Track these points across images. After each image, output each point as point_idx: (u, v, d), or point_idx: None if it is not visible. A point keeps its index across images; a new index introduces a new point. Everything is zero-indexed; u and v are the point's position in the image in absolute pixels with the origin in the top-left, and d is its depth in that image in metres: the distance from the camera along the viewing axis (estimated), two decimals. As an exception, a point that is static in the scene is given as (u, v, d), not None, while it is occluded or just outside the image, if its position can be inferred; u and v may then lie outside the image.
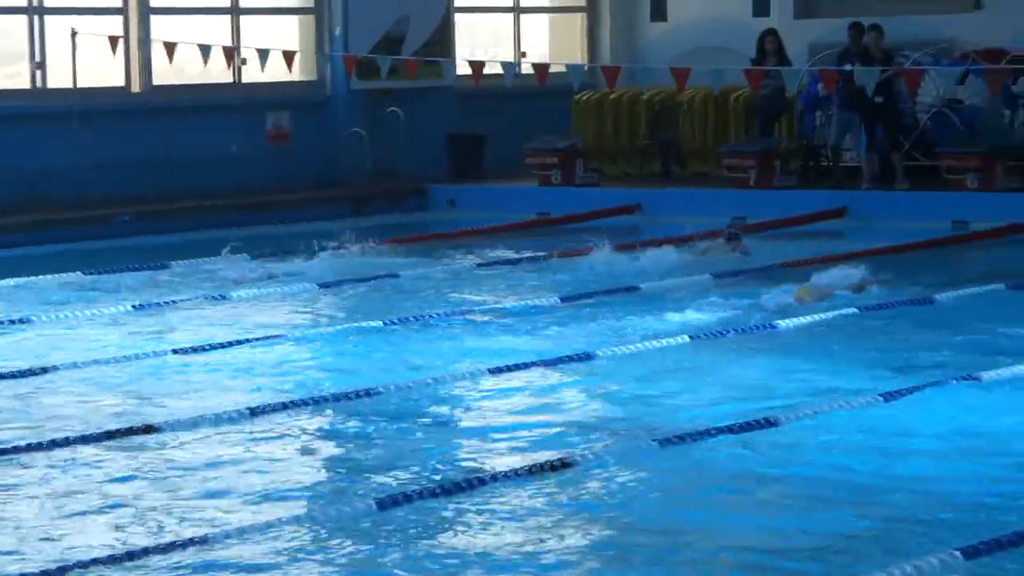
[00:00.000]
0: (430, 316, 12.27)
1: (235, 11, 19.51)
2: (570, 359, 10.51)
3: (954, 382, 9.49)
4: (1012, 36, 19.13)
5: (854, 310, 11.97)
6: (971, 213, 17.01)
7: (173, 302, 12.99)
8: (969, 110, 18.89)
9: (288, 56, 18.27)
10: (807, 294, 12.69)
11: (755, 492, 7.64)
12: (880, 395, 9.22)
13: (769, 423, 8.61)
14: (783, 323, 11.50)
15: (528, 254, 15.76)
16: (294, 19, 20.18)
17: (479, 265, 15.07)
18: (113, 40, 18.26)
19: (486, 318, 12.39)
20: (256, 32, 19.48)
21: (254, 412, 9.07)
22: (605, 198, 18.95)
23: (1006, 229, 16.21)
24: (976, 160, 17.78)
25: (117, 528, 7.19)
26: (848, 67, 17.60)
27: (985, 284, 12.98)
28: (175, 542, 6.79)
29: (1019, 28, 19.19)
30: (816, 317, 11.71)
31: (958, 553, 6.39)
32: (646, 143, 20.71)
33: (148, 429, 8.71)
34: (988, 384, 9.52)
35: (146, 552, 6.66)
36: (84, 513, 7.42)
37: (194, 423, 8.87)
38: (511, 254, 15.80)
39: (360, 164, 19.86)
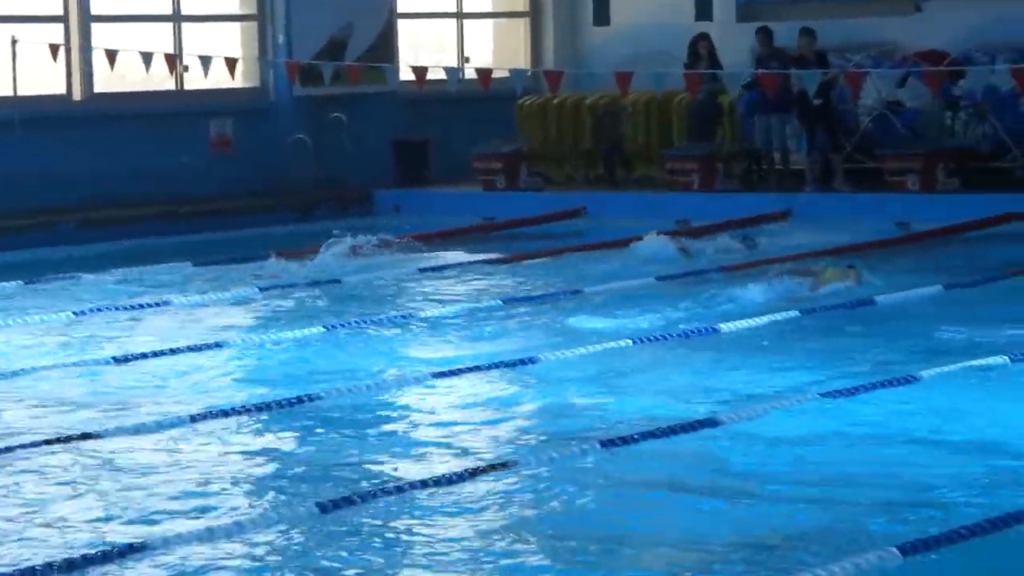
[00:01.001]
0: (373, 320, 12.27)
1: (177, 18, 19.44)
2: (513, 362, 10.53)
3: (893, 382, 9.55)
4: (952, 39, 19.28)
5: (795, 312, 12.03)
6: (913, 214, 17.12)
7: (115, 309, 12.94)
8: (910, 112, 19.02)
9: (230, 63, 18.22)
10: (833, 276, 12.83)
11: (696, 492, 7.68)
12: (820, 395, 9.27)
13: (710, 424, 8.65)
14: (725, 326, 11.54)
15: (472, 258, 15.77)
16: (236, 26, 20.13)
17: (423, 270, 15.07)
18: (54, 48, 18.18)
19: (429, 322, 12.39)
20: (198, 39, 19.42)
21: (194, 419, 9.05)
22: (550, 202, 18.98)
23: (946, 230, 16.31)
24: (917, 162, 17.91)
25: (56, 536, 7.16)
26: (762, 69, 17.71)
27: (924, 285, 13.06)
28: (114, 549, 6.76)
29: (959, 31, 19.34)
30: (758, 320, 11.76)
31: (895, 550, 6.44)
32: (590, 147, 20.75)
33: (86, 436, 8.67)
34: (927, 383, 9.59)
35: (85, 560, 6.63)
36: (21, 521, 7.38)
37: (135, 430, 8.84)
38: (455, 258, 15.80)
39: (305, 170, 19.82)
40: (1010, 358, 10.14)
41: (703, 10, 21.21)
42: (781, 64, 17.93)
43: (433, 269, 15.11)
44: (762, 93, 18.26)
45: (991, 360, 10.08)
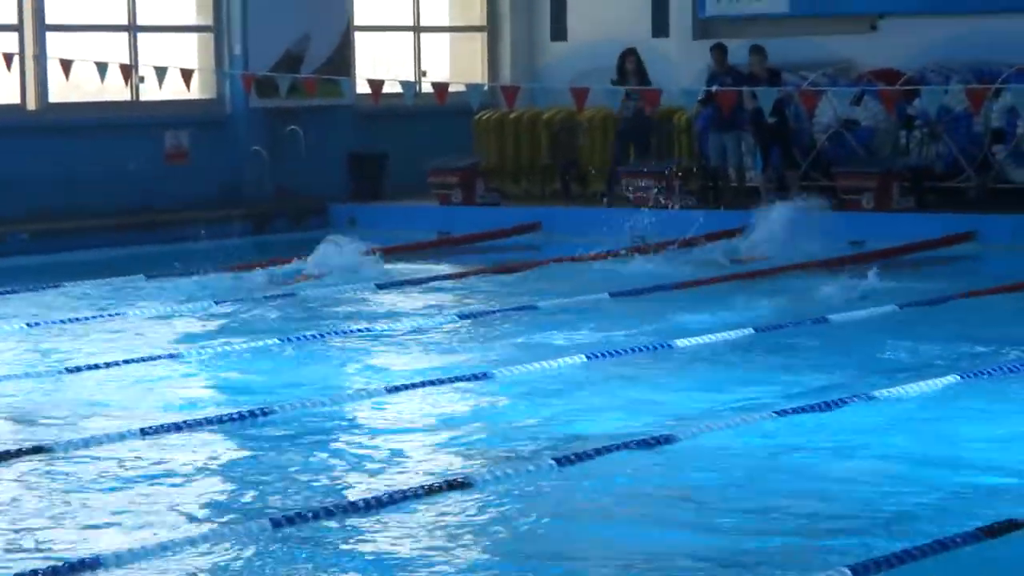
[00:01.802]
0: (328, 334, 12.24)
1: (132, 28, 19.37)
2: (468, 377, 10.52)
3: (848, 400, 9.58)
4: (907, 58, 19.39)
5: (750, 330, 12.06)
6: (867, 233, 17.19)
7: (68, 320, 12.88)
8: (865, 131, 19.11)
9: (186, 74, 18.16)
10: None
11: (651, 509, 7.68)
12: (775, 412, 9.29)
13: (665, 440, 8.66)
14: (680, 342, 11.56)
15: (428, 273, 15.76)
16: (193, 37, 20.08)
17: (379, 284, 15.04)
18: (8, 57, 18.08)
19: (385, 336, 12.36)
20: (154, 50, 19.35)
21: (146, 432, 9.00)
22: (506, 217, 19.00)
23: (901, 249, 16.38)
24: (872, 180, 17.99)
25: (6, 551, 7.10)
26: (715, 88, 17.77)
27: (878, 304, 13.11)
28: (64, 564, 6.71)
29: (914, 50, 19.45)
30: (713, 336, 11.78)
31: (847, 570, 6.45)
32: (547, 162, 20.78)
33: (38, 450, 8.61)
34: (881, 402, 9.63)
35: (35, 575, 6.57)
36: (-28, 535, 7.32)
37: (86, 443, 8.78)
38: (411, 273, 15.78)
39: (260, 182, 19.78)
40: (962, 377, 10.19)
41: (660, 26, 21.28)
42: (735, 82, 17.99)
43: (389, 283, 15.08)
44: (716, 110, 18.32)
45: (944, 379, 10.13)
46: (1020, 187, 18.27)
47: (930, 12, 19.52)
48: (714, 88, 17.79)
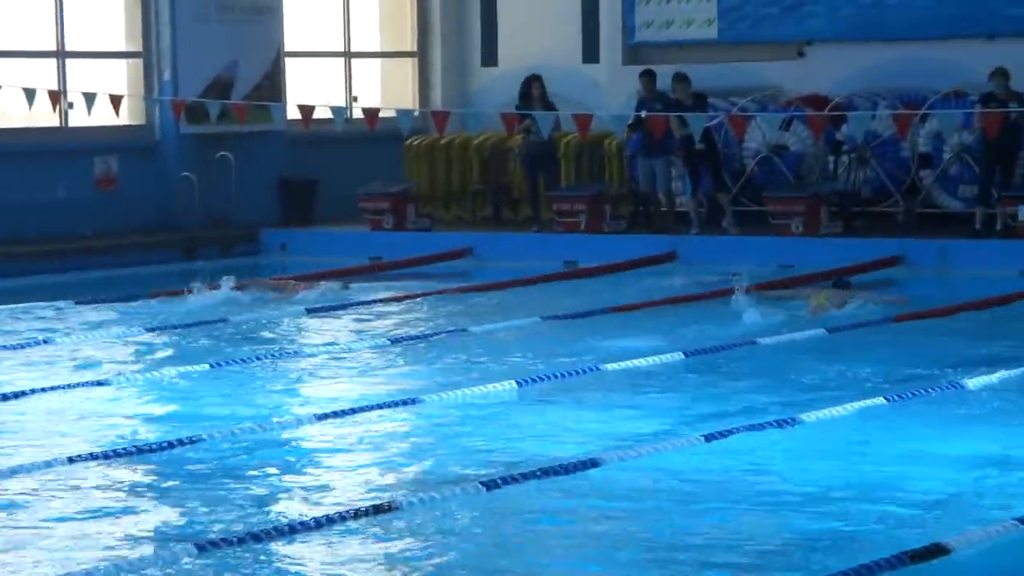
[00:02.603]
0: (258, 360, 12.19)
1: (61, 54, 19.27)
2: (398, 403, 10.50)
3: (776, 423, 9.62)
4: (835, 84, 19.55)
5: (679, 354, 12.10)
6: (796, 257, 17.31)
7: (-6, 348, 12.79)
8: (794, 156, 19.25)
9: (115, 100, 18.05)
10: (825, 299, 13.23)
11: (578, 534, 7.69)
12: (703, 436, 9.33)
13: (593, 464, 8.67)
14: (610, 366, 11.59)
15: (359, 298, 15.73)
16: (122, 63, 19.99)
17: (310, 309, 15.00)
18: (-65, 83, 17.96)
19: (315, 362, 12.33)
20: (83, 76, 19.26)
21: (73, 459, 8.93)
22: (437, 242, 19.00)
23: (829, 273, 16.47)
24: (801, 205, 18.11)
25: (-72, 579, 7.04)
26: (644, 112, 17.85)
27: (806, 328, 13.19)
28: (-12, 592, 6.66)
29: (842, 76, 19.61)
30: (642, 361, 11.82)
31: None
32: (477, 188, 20.81)
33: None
34: (808, 425, 9.68)
35: (-43, 603, 6.52)
36: None
37: (11, 471, 8.71)
38: (342, 298, 15.74)
39: (191, 209, 19.69)
40: (889, 400, 10.26)
41: (590, 52, 21.37)
42: (664, 107, 18.08)
43: (320, 309, 15.05)
44: (646, 136, 18.40)
45: (871, 402, 10.20)
46: (947, 211, 18.44)
47: (857, 39, 19.70)
48: (643, 114, 17.86)
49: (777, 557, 7.23)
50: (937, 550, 7.03)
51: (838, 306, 14.01)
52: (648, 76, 18.96)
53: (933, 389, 10.61)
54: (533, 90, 19.18)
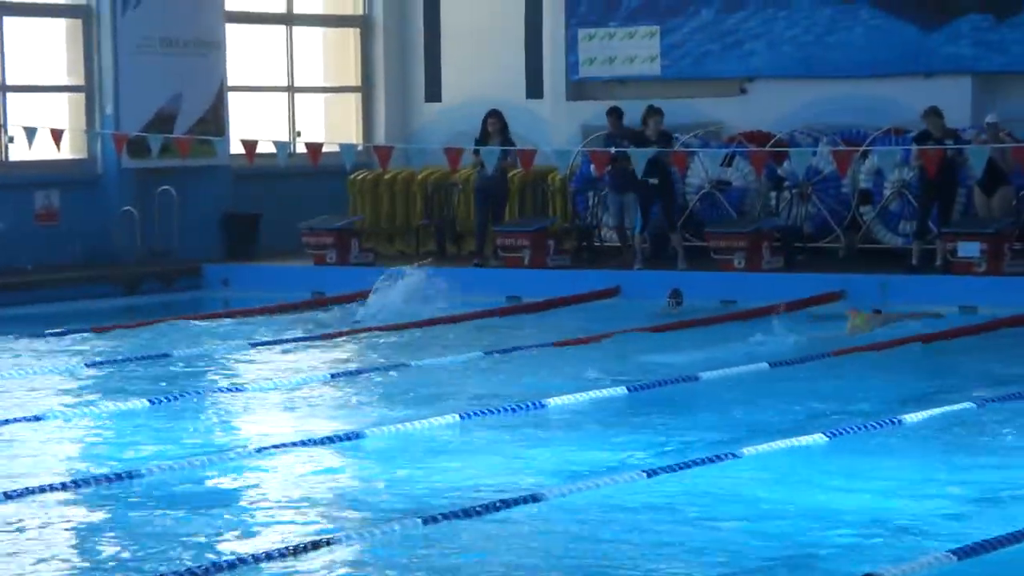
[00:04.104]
0: (199, 394, 12.14)
1: (2, 88, 19.19)
2: (339, 438, 10.48)
3: (716, 459, 9.65)
4: (777, 120, 19.67)
5: (623, 389, 12.12)
6: (738, 293, 17.37)
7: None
8: (736, 192, 19.34)
9: (56, 134, 17.98)
10: (863, 322, 14.14)
11: (517, 568, 7.67)
12: (644, 472, 9.34)
13: (533, 499, 8.67)
14: (552, 401, 11.60)
15: (301, 333, 15.69)
16: (64, 96, 19.91)
17: (253, 344, 14.95)
18: None
19: (257, 397, 12.28)
20: (24, 110, 19.17)
21: (9, 495, 8.86)
22: (380, 277, 18.93)
23: (769, 309, 16.55)
24: (743, 240, 18.18)
25: None
26: (613, 149, 17.88)
27: (749, 363, 13.24)
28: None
29: (784, 113, 19.74)
30: (585, 395, 11.83)
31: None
32: (422, 223, 20.81)
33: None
34: (748, 460, 9.71)
35: None
36: None
37: (-53, 507, 8.64)
38: (284, 333, 15.70)
39: (132, 243, 19.61)
40: (827, 435, 10.31)
41: (534, 87, 21.43)
42: (632, 143, 18.11)
43: (262, 343, 14.99)
44: (618, 172, 18.32)
45: (810, 438, 10.24)
46: (887, 247, 18.56)
47: (798, 76, 19.84)
48: (612, 150, 17.88)
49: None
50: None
51: (877, 325, 14.68)
52: (614, 113, 18.98)
53: (869, 424, 10.66)
54: (490, 125, 19.22)
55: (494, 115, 19.27)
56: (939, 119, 17.40)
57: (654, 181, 18.23)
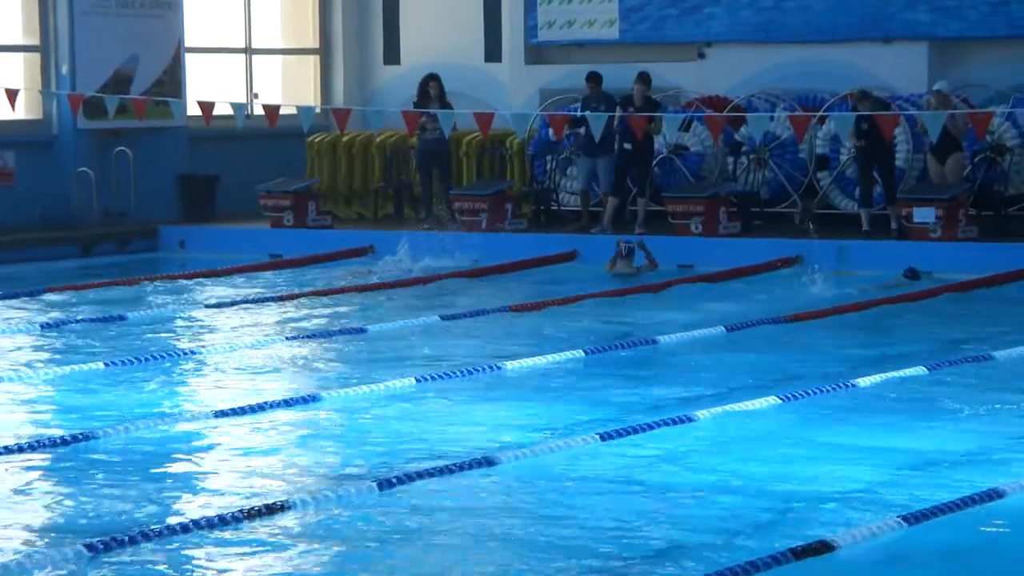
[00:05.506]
0: (156, 357, 12.11)
1: (-43, 48, 19.07)
2: (297, 401, 10.48)
3: (670, 422, 9.68)
4: (735, 86, 19.70)
5: (580, 352, 12.15)
6: (696, 258, 17.42)
7: None
8: (694, 157, 19.37)
9: (11, 94, 17.86)
10: (624, 266, 16.08)
11: (471, 531, 7.70)
12: (598, 435, 9.37)
13: (487, 463, 8.69)
14: (510, 364, 11.62)
15: (258, 295, 15.67)
16: (19, 56, 19.78)
17: (208, 306, 14.92)
18: None
19: (214, 360, 12.27)
20: (-22, 70, 19.07)
21: (-36, 457, 8.85)
22: (338, 240, 18.95)
23: (729, 273, 16.61)
24: (700, 205, 18.22)
25: None
26: (588, 112, 17.84)
27: (707, 326, 13.29)
28: None
29: (742, 78, 19.77)
30: (542, 359, 11.86)
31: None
32: (379, 186, 20.78)
33: None
34: (702, 424, 9.75)
35: None
36: None
37: (-100, 469, 8.61)
38: (241, 295, 15.67)
39: (88, 204, 19.53)
40: (782, 399, 10.36)
41: (492, 51, 21.40)
42: (608, 108, 18.07)
43: (219, 306, 14.96)
44: (589, 136, 18.28)
45: (765, 401, 10.29)
46: (844, 213, 18.63)
47: (756, 41, 19.86)
48: (586, 113, 17.84)
49: (665, 551, 7.29)
50: (821, 547, 7.11)
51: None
52: (593, 78, 18.88)
53: (825, 388, 10.72)
54: (430, 89, 19.19)
55: (434, 78, 19.25)
56: (869, 102, 17.37)
57: (628, 147, 18.23)
